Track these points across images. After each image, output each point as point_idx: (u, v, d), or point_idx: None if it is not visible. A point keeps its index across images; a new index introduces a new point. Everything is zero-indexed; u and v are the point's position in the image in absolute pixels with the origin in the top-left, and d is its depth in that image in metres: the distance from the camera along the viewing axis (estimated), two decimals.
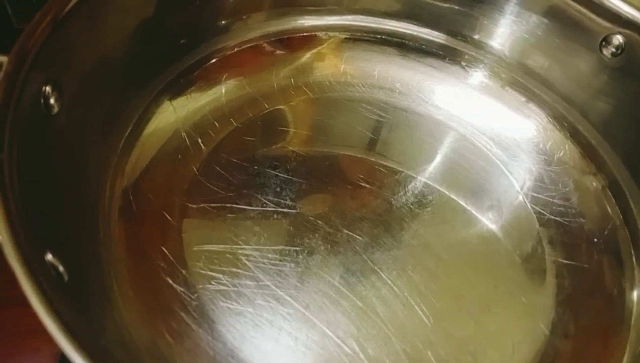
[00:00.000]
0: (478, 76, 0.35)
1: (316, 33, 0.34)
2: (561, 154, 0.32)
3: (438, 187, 0.30)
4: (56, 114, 0.21)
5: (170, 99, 0.29)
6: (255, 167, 0.29)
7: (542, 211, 0.30)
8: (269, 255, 0.26)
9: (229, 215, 0.27)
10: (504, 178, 0.31)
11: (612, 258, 0.29)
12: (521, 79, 0.33)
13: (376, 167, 0.31)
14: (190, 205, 0.26)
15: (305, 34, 0.34)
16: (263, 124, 0.31)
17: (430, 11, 0.33)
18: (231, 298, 0.24)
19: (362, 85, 0.34)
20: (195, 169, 0.28)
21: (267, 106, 0.31)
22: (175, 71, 0.29)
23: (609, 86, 0.30)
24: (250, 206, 0.27)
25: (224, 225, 0.26)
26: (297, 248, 0.26)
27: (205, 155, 0.29)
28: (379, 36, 0.35)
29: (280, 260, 0.26)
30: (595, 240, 0.29)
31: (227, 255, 0.25)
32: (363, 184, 0.30)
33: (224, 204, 0.27)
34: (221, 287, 0.24)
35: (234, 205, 0.27)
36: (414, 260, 0.27)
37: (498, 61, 0.34)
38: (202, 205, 0.27)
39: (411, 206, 0.29)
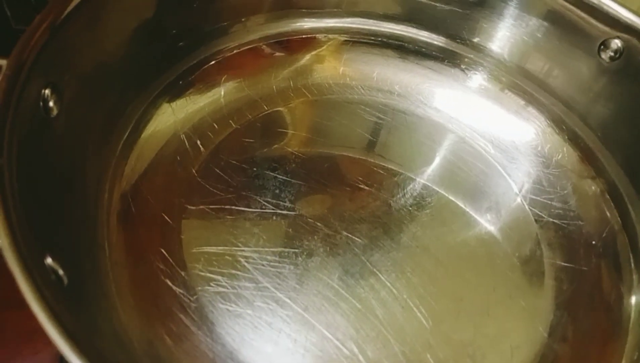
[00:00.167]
0: (477, 79, 0.35)
1: (315, 35, 0.34)
2: (559, 157, 0.32)
3: (437, 189, 0.30)
4: (55, 117, 0.21)
5: (169, 101, 0.29)
6: (254, 169, 0.29)
7: (540, 214, 0.30)
8: (268, 257, 0.26)
9: (228, 217, 0.27)
10: (502, 180, 0.32)
11: (610, 262, 0.29)
12: (520, 83, 0.34)
13: (375, 169, 0.31)
14: (189, 207, 0.26)
15: (304, 36, 0.34)
16: (262, 126, 0.31)
17: (430, 14, 0.33)
18: (230, 300, 0.24)
19: (361, 87, 0.34)
20: (194, 171, 0.28)
21: (266, 108, 0.31)
22: (174, 73, 0.29)
23: (607, 90, 0.30)
24: (249, 207, 0.27)
25: (223, 227, 0.26)
26: (296, 250, 0.26)
27: (204, 157, 0.29)
28: (378, 39, 0.35)
29: (279, 262, 0.26)
30: (594, 242, 0.29)
31: (226, 257, 0.25)
32: (362, 186, 0.30)
33: (223, 206, 0.27)
34: (220, 289, 0.24)
35: (233, 207, 0.27)
36: (413, 262, 0.27)
37: (497, 64, 0.34)
38: (201, 207, 0.27)
39: (410, 209, 0.29)
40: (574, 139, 0.32)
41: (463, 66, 0.35)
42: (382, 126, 0.33)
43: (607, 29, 0.29)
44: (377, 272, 0.26)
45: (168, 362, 0.22)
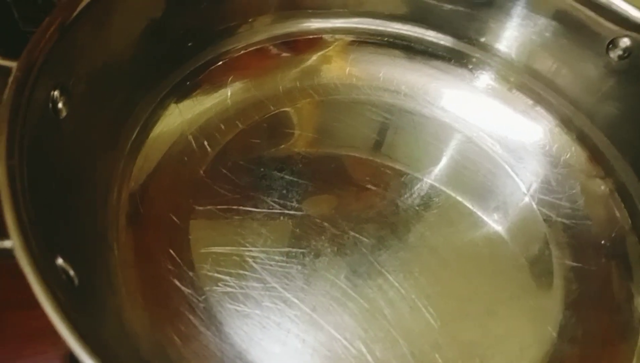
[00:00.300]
0: (485, 78, 0.35)
1: (322, 36, 0.34)
2: (567, 156, 0.32)
3: (444, 189, 0.30)
4: (64, 118, 0.21)
5: (176, 102, 0.29)
6: (261, 169, 0.29)
7: (548, 214, 0.30)
8: (276, 257, 0.26)
9: (236, 217, 0.27)
10: (510, 180, 0.31)
11: (619, 262, 0.28)
12: (528, 82, 0.33)
13: (382, 169, 0.31)
14: (197, 207, 0.27)
15: (311, 36, 0.34)
16: (269, 126, 0.31)
17: (437, 14, 0.33)
18: (238, 300, 0.24)
19: (368, 87, 0.34)
20: (201, 172, 0.28)
21: (272, 109, 0.31)
22: (182, 74, 0.30)
23: (616, 89, 0.30)
24: (257, 208, 0.27)
25: (231, 227, 0.26)
26: (304, 250, 0.26)
27: (211, 157, 0.29)
28: (385, 39, 0.35)
29: (287, 262, 0.26)
30: (603, 242, 0.29)
31: (234, 257, 0.25)
32: (369, 186, 0.30)
33: (230, 207, 0.27)
34: (228, 289, 0.24)
35: (241, 207, 0.27)
36: (421, 262, 0.27)
37: (505, 64, 0.34)
38: (208, 207, 0.27)
39: (417, 208, 0.29)
40: (582, 139, 0.32)
41: (470, 66, 0.35)
42: (388, 126, 0.33)
43: (615, 27, 0.29)
44: (385, 272, 0.26)
45: (177, 361, 0.22)
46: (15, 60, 0.18)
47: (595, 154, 0.31)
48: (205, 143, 0.29)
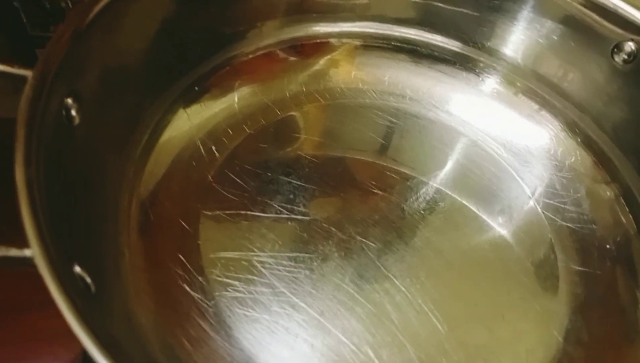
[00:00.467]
0: (491, 82, 0.35)
1: (329, 40, 0.34)
2: (572, 160, 0.32)
3: (449, 193, 0.30)
4: (77, 125, 0.21)
5: (184, 107, 0.30)
6: (269, 174, 0.29)
7: (553, 217, 0.30)
8: (284, 262, 0.26)
9: (244, 222, 0.27)
10: (515, 184, 0.32)
11: (625, 266, 0.29)
12: (534, 86, 0.33)
13: (388, 173, 0.31)
14: (205, 212, 0.27)
15: (318, 40, 0.34)
16: (276, 131, 0.31)
17: (443, 18, 0.33)
18: (247, 305, 0.24)
19: (373, 91, 0.34)
20: (209, 177, 0.28)
21: (279, 113, 0.32)
22: (190, 79, 0.30)
23: (621, 93, 0.30)
24: (265, 212, 0.27)
25: (239, 232, 0.27)
26: (311, 255, 0.26)
27: (219, 162, 0.29)
28: (391, 43, 0.35)
29: (295, 267, 0.26)
30: (608, 246, 0.29)
31: (243, 262, 0.26)
32: (375, 190, 0.30)
33: (238, 211, 0.27)
34: (237, 294, 0.24)
35: (249, 212, 0.27)
36: (427, 266, 0.27)
37: (511, 68, 0.34)
38: (217, 212, 0.27)
39: (423, 213, 0.29)
40: (587, 143, 0.32)
41: (476, 70, 0.35)
42: (394, 130, 0.33)
43: (620, 31, 0.29)
44: (392, 277, 0.26)
45: None
46: (30, 69, 0.18)
47: (600, 159, 0.32)
48: (213, 147, 0.29)
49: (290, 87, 0.33)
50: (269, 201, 0.28)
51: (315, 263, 0.26)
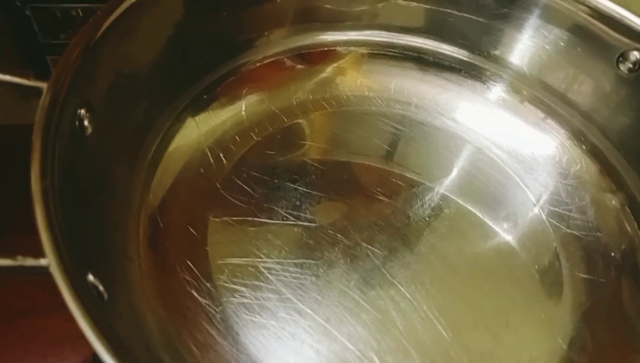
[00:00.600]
0: (496, 90, 0.35)
1: (336, 48, 0.34)
2: (577, 168, 0.32)
3: (455, 200, 0.31)
4: (89, 135, 0.21)
5: (193, 115, 0.30)
6: (275, 181, 0.29)
7: (558, 225, 0.30)
8: (290, 268, 0.26)
9: (251, 229, 0.27)
10: (520, 191, 0.32)
11: (629, 275, 0.29)
12: (540, 95, 0.34)
13: (393, 180, 0.31)
14: (213, 219, 0.27)
15: (325, 48, 0.34)
16: (282, 138, 0.31)
17: (450, 27, 0.34)
18: (254, 311, 0.25)
19: (379, 99, 0.34)
20: (217, 184, 0.28)
21: (286, 120, 0.32)
22: (199, 88, 0.30)
23: (627, 102, 0.30)
24: (271, 219, 0.28)
25: (246, 238, 0.27)
26: (317, 262, 0.27)
27: (227, 169, 0.29)
28: (397, 51, 0.35)
29: (301, 273, 0.26)
30: (613, 254, 0.29)
31: (250, 268, 0.26)
32: (381, 197, 0.30)
33: (245, 218, 0.28)
34: (244, 300, 0.25)
35: (256, 219, 0.28)
36: (432, 273, 0.27)
37: (517, 77, 0.34)
38: (224, 219, 0.27)
39: (428, 219, 0.29)
40: (593, 152, 0.32)
41: (483, 78, 0.35)
42: (400, 137, 0.33)
43: (626, 40, 0.29)
44: (397, 284, 0.27)
45: None
46: (45, 81, 0.18)
47: (606, 167, 0.32)
48: (221, 154, 0.29)
49: (297, 94, 0.33)
50: (275, 208, 0.28)
51: (321, 270, 0.26)
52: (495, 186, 0.32)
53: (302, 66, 0.34)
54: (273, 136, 0.31)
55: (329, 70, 0.34)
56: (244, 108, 0.32)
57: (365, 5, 0.33)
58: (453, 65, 0.35)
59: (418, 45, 0.35)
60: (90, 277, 0.17)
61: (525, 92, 0.34)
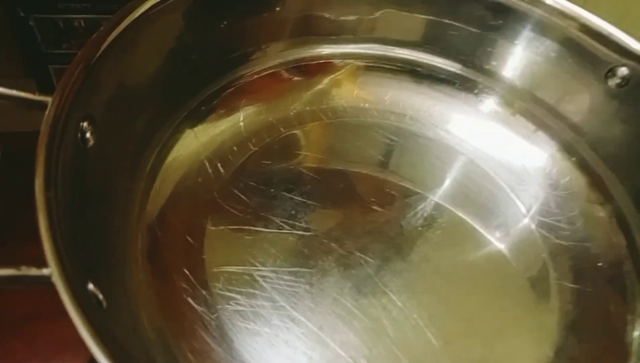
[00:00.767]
0: (489, 103, 0.35)
1: (333, 60, 0.35)
2: (567, 180, 0.33)
3: (447, 210, 0.31)
4: (91, 147, 0.22)
5: (191, 127, 0.31)
6: (272, 190, 0.30)
7: (548, 235, 0.31)
8: (285, 277, 0.27)
9: (247, 237, 0.28)
10: (511, 202, 0.32)
11: (617, 285, 0.29)
12: (531, 108, 0.34)
13: (387, 190, 0.31)
14: (210, 228, 0.28)
15: (322, 61, 0.35)
16: (279, 148, 0.32)
17: (444, 41, 0.34)
18: (249, 318, 0.25)
19: (375, 110, 0.35)
20: (215, 193, 0.29)
21: (283, 131, 0.33)
22: (198, 100, 0.31)
23: (616, 117, 0.31)
24: (267, 228, 0.28)
25: (242, 247, 0.27)
26: (311, 270, 0.27)
27: (224, 179, 0.30)
28: (393, 64, 0.36)
29: (295, 282, 0.27)
30: (600, 264, 0.30)
31: (245, 276, 0.26)
32: (375, 207, 0.31)
33: (242, 227, 0.28)
34: (239, 307, 0.25)
35: (252, 227, 0.28)
36: (424, 282, 0.28)
37: (509, 90, 0.35)
38: (221, 228, 0.28)
39: (421, 229, 0.30)
40: (582, 165, 0.33)
41: (475, 91, 0.35)
42: (394, 148, 0.34)
43: (615, 56, 0.30)
44: (389, 292, 0.27)
45: None
46: (50, 95, 0.19)
47: (594, 181, 0.32)
48: (219, 165, 0.30)
49: (294, 106, 0.34)
50: (271, 217, 0.29)
51: (315, 278, 0.27)
52: (487, 196, 0.32)
53: (299, 78, 0.35)
54: (270, 146, 0.32)
55: (325, 82, 0.35)
56: (242, 119, 0.32)
57: (362, 14, 0.34)
58: (447, 78, 0.36)
59: (413, 58, 0.36)
60: (91, 286, 0.18)
61: (516, 105, 0.35)
